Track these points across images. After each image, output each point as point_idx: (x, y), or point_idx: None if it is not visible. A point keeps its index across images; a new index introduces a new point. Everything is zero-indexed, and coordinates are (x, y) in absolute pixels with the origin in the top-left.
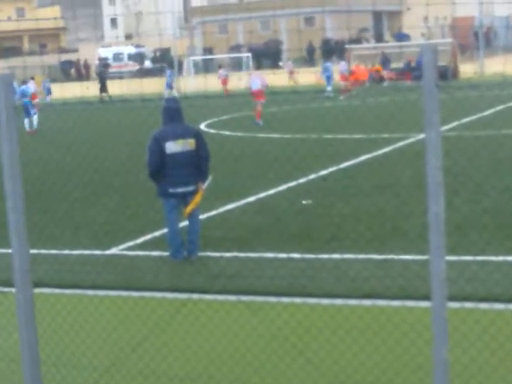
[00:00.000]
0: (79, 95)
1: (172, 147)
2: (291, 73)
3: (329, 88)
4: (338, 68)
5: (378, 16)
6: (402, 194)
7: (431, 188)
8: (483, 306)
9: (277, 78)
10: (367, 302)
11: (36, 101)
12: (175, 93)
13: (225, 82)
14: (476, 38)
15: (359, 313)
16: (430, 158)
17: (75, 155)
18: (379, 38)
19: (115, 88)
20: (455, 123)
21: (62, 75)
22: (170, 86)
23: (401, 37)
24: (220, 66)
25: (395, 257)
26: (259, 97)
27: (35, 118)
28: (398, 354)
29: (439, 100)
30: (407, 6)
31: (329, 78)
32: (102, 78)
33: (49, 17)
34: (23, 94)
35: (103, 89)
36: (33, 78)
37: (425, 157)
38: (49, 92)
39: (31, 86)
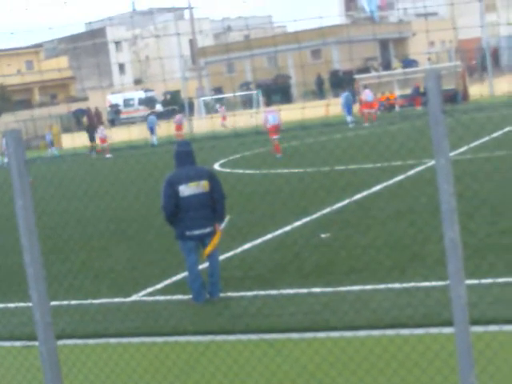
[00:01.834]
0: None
1: (185, 190)
2: (223, 118)
3: (350, 117)
4: (362, 97)
5: (384, 44)
6: (417, 221)
7: (445, 214)
8: (507, 328)
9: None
10: (390, 332)
11: None
12: (154, 140)
13: (224, 118)
14: (483, 60)
15: (383, 343)
16: (441, 184)
17: (89, 205)
18: (387, 65)
19: (125, 134)
20: (465, 147)
21: (75, 124)
22: (152, 131)
23: (408, 63)
24: (221, 106)
25: (415, 284)
26: (277, 132)
27: None
28: (424, 383)
29: (447, 125)
30: (412, 32)
31: (349, 108)
32: (91, 130)
33: (56, 67)
34: None
35: (92, 138)
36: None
37: (437, 183)
38: (52, 143)
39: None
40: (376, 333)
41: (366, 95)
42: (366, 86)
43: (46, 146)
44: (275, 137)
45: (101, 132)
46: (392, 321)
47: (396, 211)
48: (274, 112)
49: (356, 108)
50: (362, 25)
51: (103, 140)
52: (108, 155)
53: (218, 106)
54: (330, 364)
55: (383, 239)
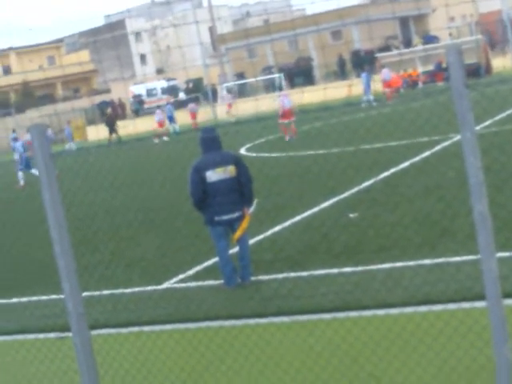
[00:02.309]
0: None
1: (212, 176)
2: (229, 106)
3: (367, 97)
4: (380, 76)
5: (404, 21)
6: (445, 196)
7: (473, 187)
8: None
9: (309, 96)
10: (423, 309)
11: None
12: (177, 127)
13: (229, 106)
14: (504, 32)
15: (416, 320)
16: (468, 158)
17: (117, 195)
18: (408, 43)
19: (149, 124)
20: (490, 121)
21: (99, 117)
22: (171, 120)
23: (429, 39)
24: (227, 93)
25: (446, 260)
26: (292, 115)
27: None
28: (459, 358)
29: (470, 99)
30: (432, 8)
31: (368, 87)
32: (110, 121)
33: (78, 61)
34: (24, 148)
35: (112, 131)
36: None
37: (463, 157)
38: (71, 138)
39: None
40: (408, 310)
41: (384, 74)
42: (383, 66)
43: (65, 141)
44: (291, 119)
45: (158, 116)
46: (424, 297)
47: (424, 187)
48: (287, 95)
49: (379, 87)
50: (381, 3)
51: (161, 124)
52: (165, 138)
53: (224, 93)
54: (363, 343)
55: (412, 216)
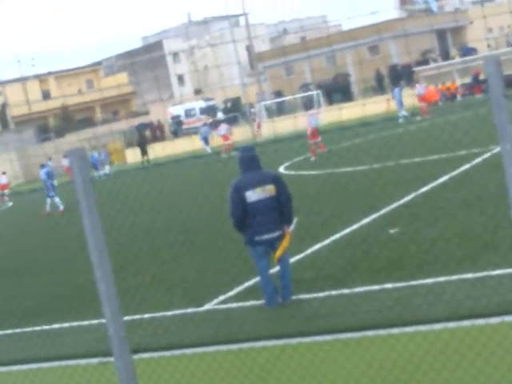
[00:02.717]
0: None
1: (252, 196)
2: (258, 126)
3: (402, 113)
4: (415, 91)
5: (441, 34)
6: (486, 209)
7: None
8: None
9: (348, 112)
10: (466, 323)
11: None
12: (208, 149)
13: (225, 138)
14: None
15: (459, 335)
16: (508, 170)
17: (156, 217)
18: (446, 55)
19: (187, 144)
20: None
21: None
22: (206, 141)
23: (467, 51)
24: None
25: (488, 273)
26: (318, 135)
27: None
28: (503, 372)
29: (510, 110)
30: (469, 20)
31: (400, 102)
32: (142, 143)
33: (116, 84)
34: (49, 176)
35: (144, 153)
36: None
37: (503, 169)
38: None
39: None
40: (451, 325)
41: (418, 89)
42: (417, 81)
43: (97, 166)
44: (318, 139)
45: (223, 129)
46: (467, 312)
47: (464, 201)
48: (314, 115)
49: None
50: (418, 17)
51: (226, 137)
52: (224, 155)
53: (253, 113)
54: (406, 360)
55: (453, 230)
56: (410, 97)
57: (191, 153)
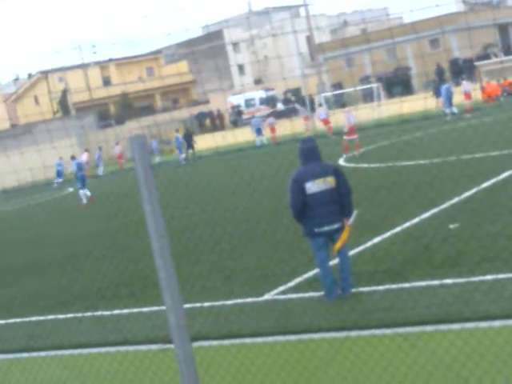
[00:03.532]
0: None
1: (312, 187)
2: (306, 118)
3: (450, 109)
4: (462, 88)
5: (504, 29)
6: None
7: None
8: None
9: (408, 106)
10: None
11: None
12: (264, 140)
13: (326, 122)
14: None
15: None
16: None
17: (216, 207)
18: (507, 50)
19: (246, 135)
20: None
21: (198, 127)
22: (259, 132)
23: None
24: (320, 105)
25: None
26: (355, 132)
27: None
28: None
29: None
30: None
31: (449, 99)
32: (188, 137)
33: (177, 72)
34: (79, 167)
35: (189, 146)
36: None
37: None
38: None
39: (84, 158)
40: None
41: (465, 86)
42: (463, 78)
43: (173, 150)
44: (354, 137)
45: (322, 114)
46: None
47: None
48: (351, 112)
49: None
50: (480, 10)
51: (326, 121)
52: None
53: (299, 108)
54: (466, 355)
55: None
56: (457, 93)
57: (252, 142)
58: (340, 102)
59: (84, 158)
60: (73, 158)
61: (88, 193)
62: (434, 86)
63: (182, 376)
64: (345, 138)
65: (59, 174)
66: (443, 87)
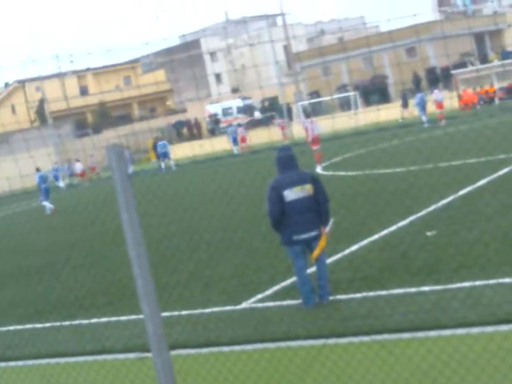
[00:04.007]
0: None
1: (290, 195)
2: (282, 128)
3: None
4: (433, 96)
5: (480, 37)
6: None
7: None
8: None
9: (385, 114)
10: (504, 328)
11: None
12: (235, 150)
13: (283, 128)
14: None
15: (497, 340)
16: None
17: (194, 215)
18: (484, 59)
19: (224, 144)
20: None
21: (175, 137)
22: (236, 141)
23: (506, 55)
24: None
25: None
26: (318, 142)
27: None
28: None
29: None
30: (508, 23)
31: (423, 109)
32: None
33: (154, 81)
34: (42, 180)
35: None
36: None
37: None
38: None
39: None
40: (489, 329)
41: (436, 95)
42: (436, 87)
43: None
44: (318, 147)
45: (241, 132)
46: (505, 316)
47: (502, 205)
48: (314, 122)
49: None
50: (456, 19)
51: (243, 139)
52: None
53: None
54: (443, 363)
55: (491, 234)
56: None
57: (229, 151)
58: (317, 111)
59: (78, 167)
60: (37, 170)
61: (51, 204)
62: (402, 96)
63: None
64: (312, 148)
65: (56, 178)
66: (417, 96)
